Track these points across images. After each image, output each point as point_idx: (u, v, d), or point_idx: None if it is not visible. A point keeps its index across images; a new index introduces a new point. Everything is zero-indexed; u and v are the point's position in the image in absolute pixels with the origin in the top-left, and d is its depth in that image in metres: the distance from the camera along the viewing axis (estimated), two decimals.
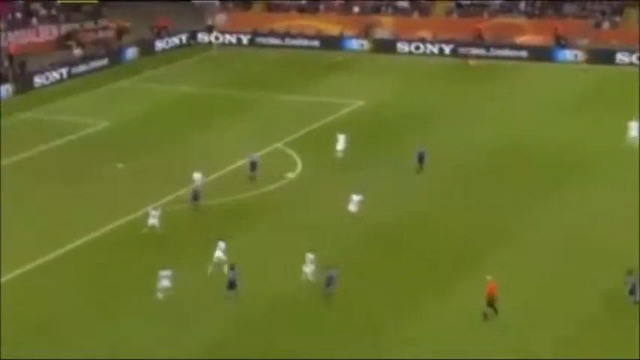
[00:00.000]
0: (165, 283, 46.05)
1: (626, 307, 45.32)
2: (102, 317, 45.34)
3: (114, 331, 44.03)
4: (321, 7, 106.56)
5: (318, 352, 42.26)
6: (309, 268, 47.23)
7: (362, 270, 49.43)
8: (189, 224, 56.29)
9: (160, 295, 46.11)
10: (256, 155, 63.43)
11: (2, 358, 39.04)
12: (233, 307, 45.89)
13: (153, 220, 54.25)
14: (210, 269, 48.41)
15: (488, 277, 45.51)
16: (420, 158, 63.17)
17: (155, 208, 54.83)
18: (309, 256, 47.31)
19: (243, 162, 63.83)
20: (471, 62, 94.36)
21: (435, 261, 51.03)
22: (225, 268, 47.71)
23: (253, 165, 62.31)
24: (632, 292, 45.28)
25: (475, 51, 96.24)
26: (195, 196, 58.66)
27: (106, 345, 42.94)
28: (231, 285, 46.18)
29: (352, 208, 55.08)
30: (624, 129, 68.81)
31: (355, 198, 54.98)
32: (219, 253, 48.85)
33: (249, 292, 46.61)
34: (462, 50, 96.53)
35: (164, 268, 46.17)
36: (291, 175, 63.72)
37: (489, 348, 42.11)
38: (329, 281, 45.82)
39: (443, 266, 50.35)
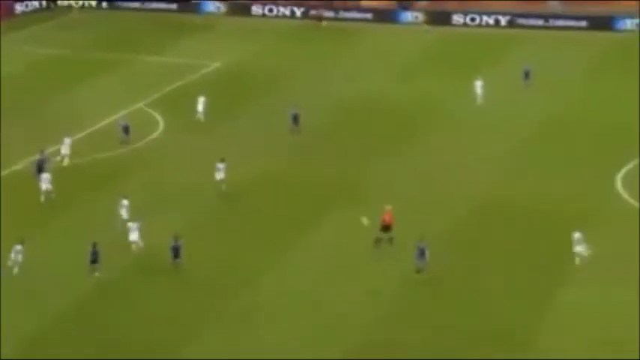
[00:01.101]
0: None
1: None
2: None
3: None
4: None
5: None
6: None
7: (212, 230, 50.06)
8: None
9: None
10: (127, 121, 62.57)
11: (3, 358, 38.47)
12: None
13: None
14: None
15: (388, 207, 47.33)
16: (295, 119, 62.44)
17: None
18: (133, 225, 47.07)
19: (116, 126, 62.99)
20: (324, 24, 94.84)
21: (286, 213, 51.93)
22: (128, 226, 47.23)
23: (126, 129, 61.52)
24: (422, 254, 43.69)
25: (325, 14, 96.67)
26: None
27: None
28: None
29: (219, 176, 53.65)
30: (464, 83, 70.63)
31: (220, 166, 53.46)
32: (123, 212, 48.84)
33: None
34: (313, 12, 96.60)
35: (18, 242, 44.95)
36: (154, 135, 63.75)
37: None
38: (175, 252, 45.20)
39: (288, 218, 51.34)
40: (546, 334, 40.24)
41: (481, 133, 63.67)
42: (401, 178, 56.35)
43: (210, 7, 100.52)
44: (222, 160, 53.95)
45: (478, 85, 69.76)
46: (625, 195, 53.78)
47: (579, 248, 45.21)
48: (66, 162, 58.29)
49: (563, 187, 54.80)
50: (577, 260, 44.98)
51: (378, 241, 46.98)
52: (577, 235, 45.25)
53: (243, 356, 38.87)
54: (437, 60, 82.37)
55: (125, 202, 48.92)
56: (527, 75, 72.72)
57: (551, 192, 54.28)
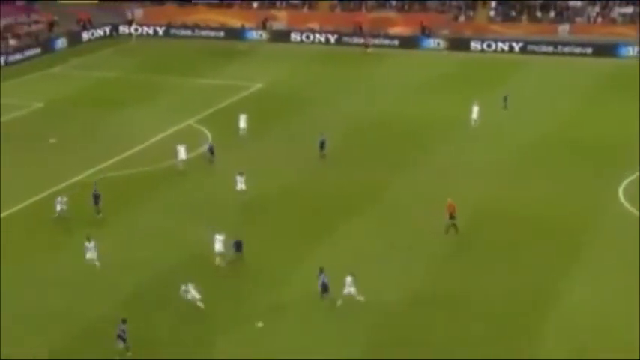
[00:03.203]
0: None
1: None
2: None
3: None
4: (225, 3, 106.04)
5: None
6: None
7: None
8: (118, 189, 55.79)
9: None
10: (211, 142, 61.93)
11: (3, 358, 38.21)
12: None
13: (60, 207, 51.26)
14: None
15: (449, 199, 48.48)
16: (322, 145, 61.10)
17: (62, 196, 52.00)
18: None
19: (203, 149, 62.17)
20: (369, 50, 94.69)
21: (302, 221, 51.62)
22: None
23: (211, 150, 60.69)
24: (324, 289, 41.89)
25: (356, 40, 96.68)
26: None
27: None
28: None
29: (239, 187, 53.03)
30: (470, 105, 69.37)
31: (240, 179, 53.07)
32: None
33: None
34: (362, 41, 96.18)
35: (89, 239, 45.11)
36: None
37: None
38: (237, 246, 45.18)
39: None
40: (550, 334, 39.67)
41: (488, 147, 63.35)
42: (416, 186, 56.00)
43: (254, 35, 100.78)
44: (242, 174, 53.78)
45: (474, 110, 68.42)
46: (626, 204, 53.22)
47: (351, 289, 41.33)
48: (181, 167, 58.81)
49: (570, 197, 54.22)
50: (338, 302, 41.56)
51: (447, 228, 48.39)
52: (349, 278, 41.36)
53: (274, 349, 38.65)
54: (453, 82, 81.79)
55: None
56: (505, 99, 71.85)
57: (559, 201, 53.71)
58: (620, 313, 41.14)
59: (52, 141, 64.33)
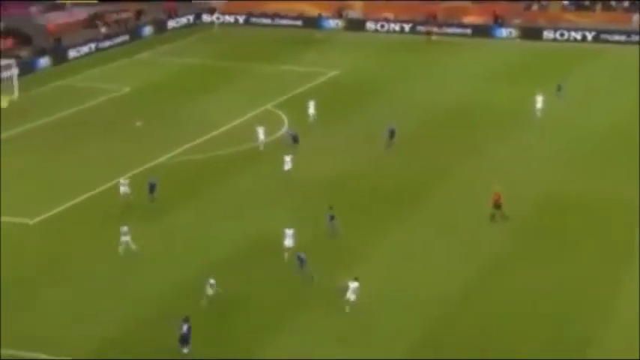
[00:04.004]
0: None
1: None
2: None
3: None
4: None
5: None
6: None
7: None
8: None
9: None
10: (294, 130, 61.77)
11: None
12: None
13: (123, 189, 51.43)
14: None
15: (496, 188, 48.70)
16: (391, 134, 60.69)
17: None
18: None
19: (285, 135, 62.52)
20: (433, 37, 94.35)
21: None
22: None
23: (295, 138, 60.41)
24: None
25: (435, 29, 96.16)
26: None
27: None
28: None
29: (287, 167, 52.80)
30: (546, 92, 68.76)
31: (287, 158, 53.74)
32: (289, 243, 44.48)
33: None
34: (423, 28, 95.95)
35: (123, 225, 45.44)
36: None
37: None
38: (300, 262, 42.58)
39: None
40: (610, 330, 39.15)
41: (554, 136, 63.13)
42: (484, 171, 55.76)
43: (331, 24, 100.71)
44: (288, 154, 55.43)
45: (539, 100, 67.56)
46: None
47: (352, 296, 39.74)
48: (262, 147, 59.88)
49: (619, 185, 53.76)
50: (347, 309, 39.83)
51: (492, 216, 48.57)
52: (354, 284, 39.74)
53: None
54: (524, 71, 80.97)
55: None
56: (560, 89, 70.83)
57: (609, 188, 53.35)
58: None
59: (138, 124, 65.00)
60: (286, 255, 44.06)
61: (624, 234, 47.49)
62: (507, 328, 38.79)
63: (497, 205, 48.57)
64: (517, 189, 52.10)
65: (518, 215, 49.32)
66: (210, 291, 40.04)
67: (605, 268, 43.81)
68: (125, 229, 44.82)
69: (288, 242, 44.21)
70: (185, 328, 35.96)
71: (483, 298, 41.28)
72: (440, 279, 42.71)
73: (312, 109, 66.73)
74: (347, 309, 39.46)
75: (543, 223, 49.11)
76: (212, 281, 40.09)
